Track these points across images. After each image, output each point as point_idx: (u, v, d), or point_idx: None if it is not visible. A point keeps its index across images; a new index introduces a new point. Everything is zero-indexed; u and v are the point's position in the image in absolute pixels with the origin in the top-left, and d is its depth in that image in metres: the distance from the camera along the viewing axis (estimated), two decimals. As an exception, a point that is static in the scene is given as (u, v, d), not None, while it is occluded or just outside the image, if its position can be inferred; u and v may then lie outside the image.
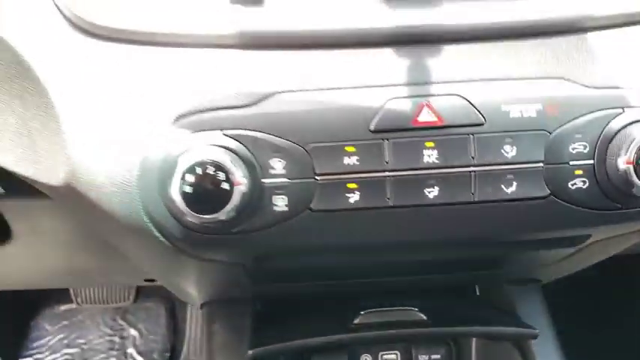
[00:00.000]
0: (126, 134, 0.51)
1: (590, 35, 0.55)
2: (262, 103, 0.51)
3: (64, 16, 0.53)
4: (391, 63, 0.52)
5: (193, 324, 1.49)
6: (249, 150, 0.49)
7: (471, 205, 0.51)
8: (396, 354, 0.82)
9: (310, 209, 0.50)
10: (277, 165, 0.50)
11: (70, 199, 0.59)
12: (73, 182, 0.54)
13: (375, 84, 0.52)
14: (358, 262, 0.59)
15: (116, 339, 1.56)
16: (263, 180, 0.50)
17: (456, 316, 0.73)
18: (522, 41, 0.53)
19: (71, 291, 1.40)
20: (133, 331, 1.56)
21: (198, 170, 0.47)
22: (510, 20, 0.53)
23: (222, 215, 0.48)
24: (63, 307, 1.55)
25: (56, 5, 0.53)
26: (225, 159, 0.48)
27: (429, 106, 0.51)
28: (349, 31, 0.52)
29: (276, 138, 0.50)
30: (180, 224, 0.49)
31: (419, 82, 0.51)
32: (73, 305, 1.49)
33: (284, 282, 0.62)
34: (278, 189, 0.50)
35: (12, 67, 0.55)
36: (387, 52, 0.52)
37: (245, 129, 0.50)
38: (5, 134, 0.58)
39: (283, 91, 0.51)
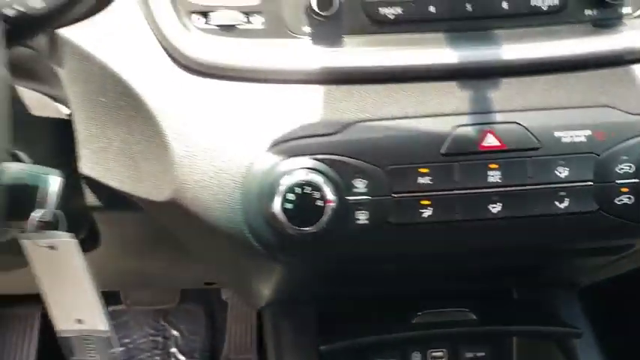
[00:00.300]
0: (228, 158, 0.60)
1: (631, 67, 0.63)
2: (345, 131, 0.59)
3: (171, 56, 0.61)
4: (457, 94, 0.60)
5: (233, 325, 1.57)
6: (335, 172, 0.58)
7: (529, 219, 0.59)
8: (444, 351, 0.89)
9: (388, 222, 0.59)
10: (359, 184, 0.58)
11: (168, 212, 0.67)
12: (179, 199, 0.62)
13: (443, 113, 0.60)
14: (424, 269, 0.67)
15: (159, 339, 1.65)
16: (347, 197, 0.58)
17: (503, 316, 0.81)
18: (572, 73, 0.62)
19: (122, 293, 1.49)
20: (174, 332, 1.64)
21: (297, 190, 0.55)
22: (561, 55, 0.61)
23: (315, 228, 0.56)
24: (109, 309, 1.63)
25: (163, 47, 0.61)
26: (319, 180, 0.56)
27: (492, 132, 0.59)
28: (420, 67, 0.61)
29: (358, 161, 0.58)
30: (278, 235, 0.58)
31: (482, 111, 0.60)
32: (119, 307, 1.58)
33: (353, 285, 0.70)
34: (360, 205, 0.58)
35: (122, 99, 0.64)
36: (454, 85, 0.61)
37: (331, 154, 0.58)
38: (109, 156, 0.67)
39: (363, 120, 0.60)
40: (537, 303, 0.80)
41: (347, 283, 0.70)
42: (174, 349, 1.62)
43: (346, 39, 0.63)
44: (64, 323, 0.57)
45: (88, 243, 0.79)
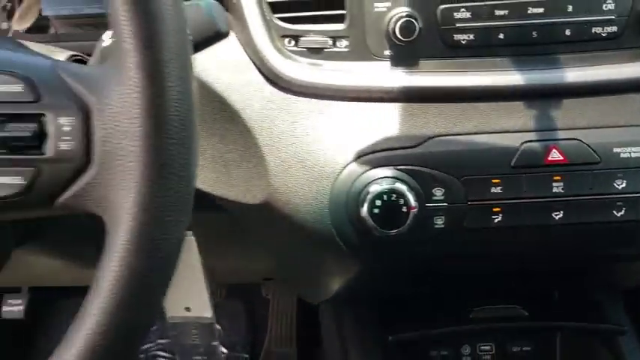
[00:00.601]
0: (318, 168, 0.68)
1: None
2: (424, 144, 0.67)
3: (265, 76, 0.69)
4: (524, 113, 0.68)
5: (274, 319, 1.65)
6: (416, 181, 0.65)
7: (588, 226, 0.67)
8: (491, 345, 0.96)
9: (462, 227, 0.66)
10: (438, 193, 0.66)
11: (256, 213, 0.75)
12: (271, 202, 0.70)
13: (511, 130, 0.68)
14: (486, 269, 0.75)
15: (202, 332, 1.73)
16: (427, 204, 0.65)
17: (551, 313, 0.88)
18: (627, 95, 0.69)
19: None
20: (216, 326, 1.72)
21: (385, 197, 0.63)
22: (618, 78, 0.68)
23: (399, 231, 0.64)
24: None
25: (258, 67, 0.69)
26: (403, 188, 0.63)
27: (556, 148, 0.66)
28: (490, 88, 0.68)
29: (437, 172, 0.66)
30: (363, 236, 0.65)
31: (547, 128, 0.67)
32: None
33: (419, 282, 0.77)
34: (438, 211, 0.66)
35: (218, 113, 0.71)
36: (520, 104, 0.68)
37: (413, 165, 0.66)
38: (202, 162, 0.74)
39: (440, 135, 0.67)
40: (583, 302, 0.87)
41: (415, 280, 0.77)
42: (216, 342, 1.70)
43: (422, 62, 0.70)
44: (174, 310, 0.64)
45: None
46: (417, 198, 0.65)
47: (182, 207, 0.39)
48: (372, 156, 0.67)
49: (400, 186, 0.64)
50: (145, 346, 1.75)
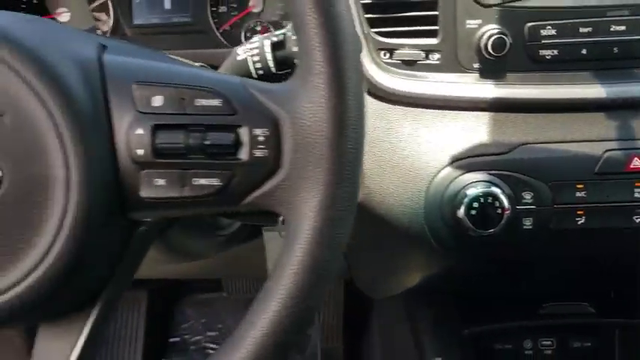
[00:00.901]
0: (413, 171, 0.74)
1: None
2: (514, 151, 0.73)
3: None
4: (606, 123, 0.74)
5: (322, 315, 1.71)
6: (508, 185, 0.71)
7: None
8: (552, 340, 1.02)
9: (548, 228, 0.72)
10: (527, 196, 0.72)
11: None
12: (364, 203, 0.76)
13: (595, 138, 0.74)
14: (566, 267, 0.80)
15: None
16: (517, 207, 0.71)
17: (616, 309, 0.93)
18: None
19: (223, 281, 1.64)
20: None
21: (482, 199, 0.69)
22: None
23: (493, 231, 0.69)
24: (203, 296, 1.80)
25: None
26: (498, 191, 0.69)
27: (637, 156, 0.72)
28: (573, 100, 0.74)
29: (526, 177, 0.72)
30: (457, 235, 0.71)
31: (628, 137, 0.73)
32: (212, 295, 1.73)
33: (498, 278, 0.83)
34: (527, 213, 0.71)
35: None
36: (602, 115, 0.74)
37: (504, 170, 0.72)
38: None
39: (528, 143, 0.73)
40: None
41: (494, 277, 0.83)
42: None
43: (509, 74, 0.76)
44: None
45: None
46: (509, 201, 0.71)
47: (352, 206, 0.45)
48: (465, 161, 0.73)
49: (495, 189, 0.70)
50: (195, 339, 1.83)
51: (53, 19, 1.04)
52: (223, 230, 0.78)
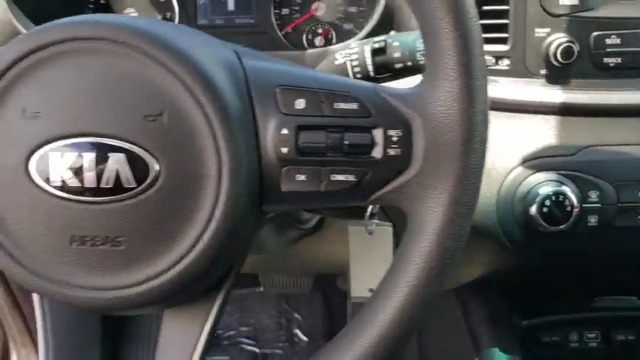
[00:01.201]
0: (486, 171, 0.77)
1: None
2: (580, 153, 0.79)
3: None
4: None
5: (355, 310, 1.74)
6: (575, 185, 0.76)
7: None
8: (597, 333, 1.07)
9: (612, 226, 0.78)
10: (593, 195, 0.77)
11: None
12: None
13: (653, 141, 0.78)
14: (622, 263, 0.85)
15: (282, 321, 1.85)
16: (584, 205, 0.76)
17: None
18: None
19: (260, 277, 1.68)
20: (296, 315, 1.84)
21: (553, 198, 0.74)
22: None
23: (563, 228, 0.74)
24: (237, 292, 1.84)
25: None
26: (567, 190, 0.74)
27: (694, 159, 0.77)
28: (635, 105, 0.79)
29: (592, 177, 0.77)
30: (528, 232, 0.76)
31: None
32: (246, 290, 1.78)
33: (559, 272, 0.88)
34: (592, 211, 0.76)
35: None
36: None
37: (572, 170, 0.76)
38: None
39: (593, 145, 0.79)
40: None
41: (550, 272, 0.88)
42: (296, 330, 1.82)
43: (573, 80, 0.81)
44: (358, 291, 0.75)
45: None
46: (577, 199, 0.76)
47: (476, 201, 0.50)
48: (535, 162, 0.78)
49: (565, 188, 0.75)
50: (229, 333, 1.87)
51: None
52: (304, 224, 0.82)
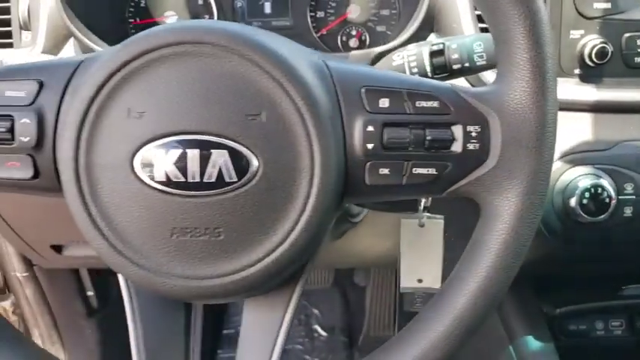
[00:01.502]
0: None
1: None
2: (614, 148, 0.84)
3: (470, 84, 0.84)
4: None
5: (373, 305, 1.79)
6: (611, 177, 0.80)
7: None
8: (621, 321, 1.11)
9: (647, 216, 0.82)
10: (628, 187, 0.82)
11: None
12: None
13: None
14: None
15: (302, 317, 1.88)
16: (619, 197, 0.81)
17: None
18: None
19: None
20: (315, 310, 1.87)
21: (592, 190, 0.79)
22: None
23: (601, 218, 0.79)
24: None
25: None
26: (605, 183, 0.79)
27: None
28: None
29: (627, 170, 0.82)
30: (567, 222, 0.81)
31: None
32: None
33: (591, 262, 0.92)
34: (628, 202, 0.81)
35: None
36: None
37: (608, 164, 0.81)
38: None
39: (627, 140, 0.84)
40: None
41: (584, 261, 0.92)
42: (315, 326, 1.85)
43: (605, 79, 0.86)
44: (407, 281, 0.79)
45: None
46: (614, 192, 0.81)
47: (547, 191, 0.54)
48: (572, 156, 0.83)
49: (603, 181, 0.80)
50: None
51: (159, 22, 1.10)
52: (355, 217, 0.86)
